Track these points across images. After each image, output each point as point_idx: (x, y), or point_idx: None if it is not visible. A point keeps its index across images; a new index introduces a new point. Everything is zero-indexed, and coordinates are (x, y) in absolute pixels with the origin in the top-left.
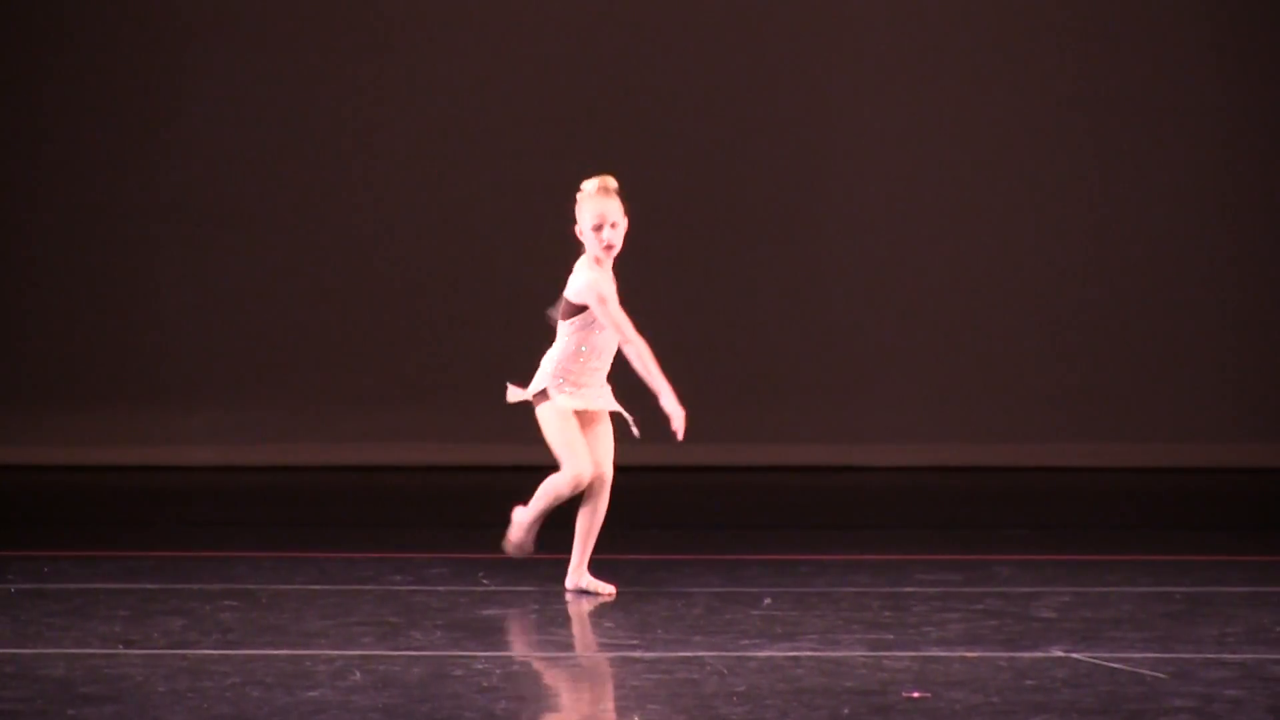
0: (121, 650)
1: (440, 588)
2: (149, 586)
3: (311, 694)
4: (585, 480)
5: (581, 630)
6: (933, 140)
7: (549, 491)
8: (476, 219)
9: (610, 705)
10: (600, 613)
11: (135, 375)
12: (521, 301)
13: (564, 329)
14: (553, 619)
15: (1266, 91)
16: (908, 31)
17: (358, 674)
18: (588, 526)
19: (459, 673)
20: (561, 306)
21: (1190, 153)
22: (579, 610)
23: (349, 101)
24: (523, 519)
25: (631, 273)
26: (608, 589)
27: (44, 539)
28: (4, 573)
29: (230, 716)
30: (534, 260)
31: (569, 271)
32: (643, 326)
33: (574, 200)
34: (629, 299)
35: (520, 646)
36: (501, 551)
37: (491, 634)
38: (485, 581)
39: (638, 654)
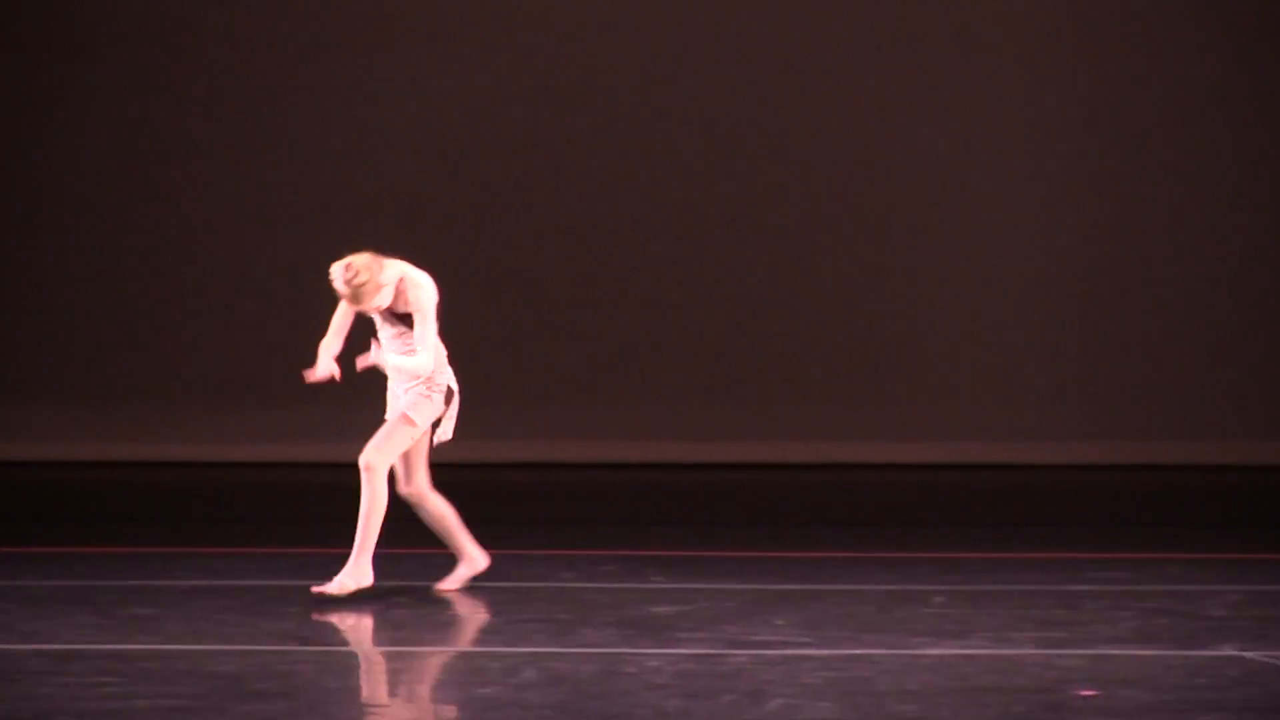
0: (295, 647)
1: (611, 585)
2: (318, 583)
3: (484, 691)
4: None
5: (753, 627)
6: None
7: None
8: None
9: (783, 703)
10: (772, 610)
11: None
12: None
13: None
14: (723, 616)
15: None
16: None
17: (530, 671)
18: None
19: (630, 670)
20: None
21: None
22: (750, 607)
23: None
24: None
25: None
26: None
27: (217, 536)
28: (177, 569)
29: (399, 713)
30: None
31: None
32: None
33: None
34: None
35: (691, 644)
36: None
37: (662, 631)
38: (656, 578)
39: (809, 651)
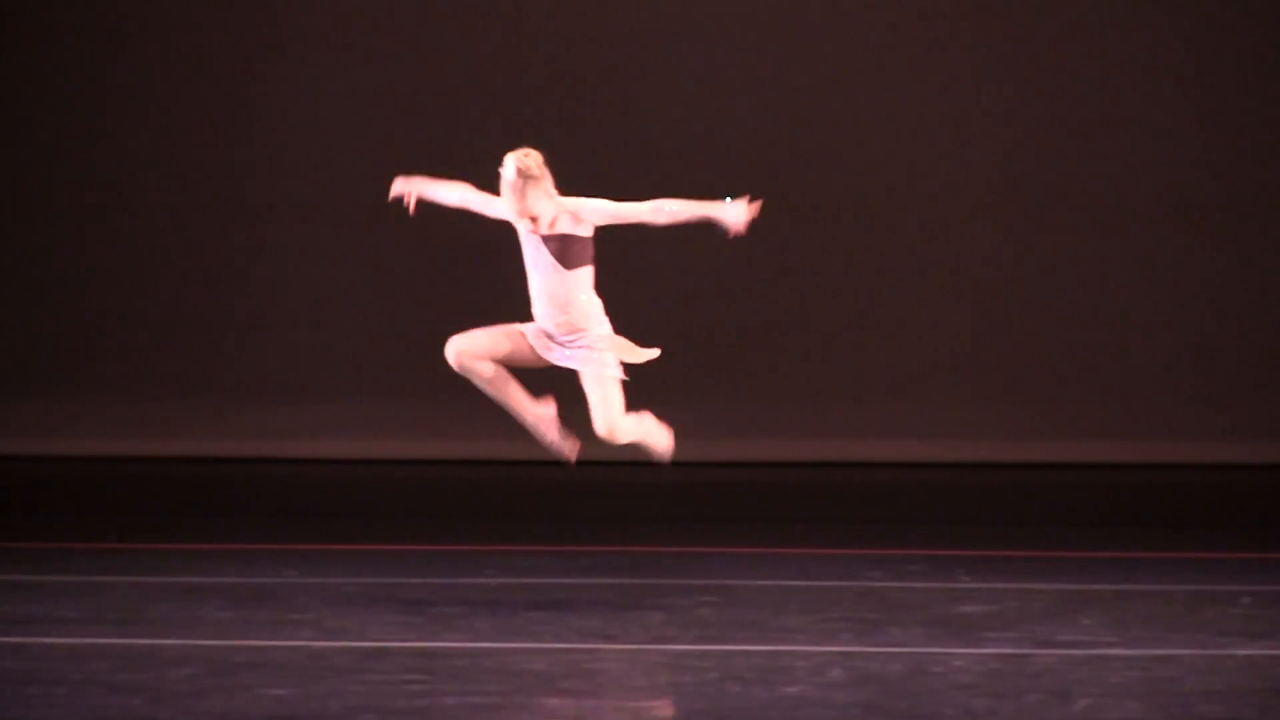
0: (602, 645)
1: (918, 584)
2: (629, 582)
3: (790, 690)
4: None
5: (1059, 627)
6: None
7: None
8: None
9: (1090, 702)
10: (1077, 609)
11: None
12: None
13: None
14: (1031, 616)
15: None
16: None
17: (837, 670)
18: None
19: (937, 669)
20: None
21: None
22: (1058, 607)
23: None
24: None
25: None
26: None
27: (518, 533)
28: (483, 566)
29: (709, 712)
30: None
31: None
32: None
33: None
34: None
35: (999, 643)
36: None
37: (970, 631)
38: (964, 578)
39: (1116, 651)
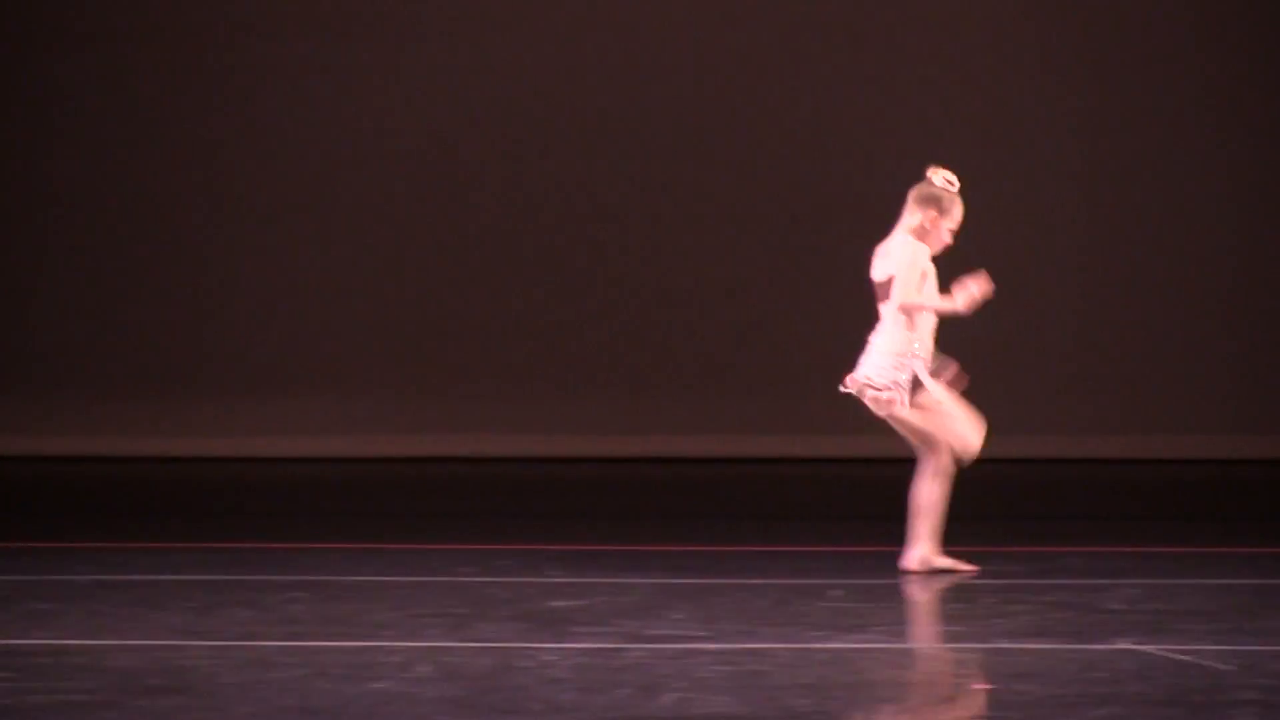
0: (189, 642)
1: (508, 579)
2: (217, 578)
3: (378, 685)
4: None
5: (648, 621)
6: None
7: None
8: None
9: (676, 697)
10: (667, 604)
11: (216, 367)
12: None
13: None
14: (621, 610)
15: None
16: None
17: (425, 666)
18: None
19: (526, 664)
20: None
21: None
22: (645, 602)
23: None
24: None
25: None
26: (968, 567)
27: (112, 530)
28: (73, 563)
29: (297, 708)
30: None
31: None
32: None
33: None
34: (683, 294)
35: (587, 638)
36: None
37: (559, 626)
38: (553, 572)
39: (704, 645)
